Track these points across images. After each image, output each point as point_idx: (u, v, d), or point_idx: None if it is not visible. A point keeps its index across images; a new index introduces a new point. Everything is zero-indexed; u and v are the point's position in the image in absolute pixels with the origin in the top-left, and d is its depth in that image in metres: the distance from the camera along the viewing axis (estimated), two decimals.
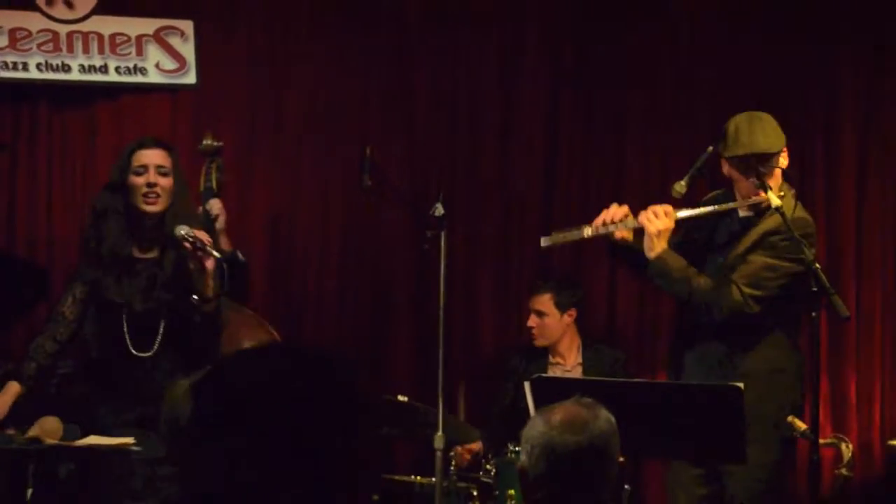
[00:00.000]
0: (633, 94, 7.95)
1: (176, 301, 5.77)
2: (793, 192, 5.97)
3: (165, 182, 5.80)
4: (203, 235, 5.74)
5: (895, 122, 7.64)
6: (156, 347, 5.75)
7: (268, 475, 2.15)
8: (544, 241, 6.10)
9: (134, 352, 5.75)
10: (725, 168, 5.89)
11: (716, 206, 5.94)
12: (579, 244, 6.50)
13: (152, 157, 5.86)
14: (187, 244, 5.70)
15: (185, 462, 2.31)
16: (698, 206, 6.03)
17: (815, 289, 5.47)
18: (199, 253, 5.67)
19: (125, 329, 5.75)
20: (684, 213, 5.87)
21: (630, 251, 5.96)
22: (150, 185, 5.77)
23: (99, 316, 5.83)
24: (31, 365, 5.77)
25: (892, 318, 7.50)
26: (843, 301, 5.62)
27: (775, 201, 5.64)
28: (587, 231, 5.93)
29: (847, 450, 6.39)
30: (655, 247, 5.76)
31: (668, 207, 5.80)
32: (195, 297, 5.74)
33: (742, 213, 5.89)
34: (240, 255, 6.24)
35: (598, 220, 5.91)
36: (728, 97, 7.47)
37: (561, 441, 3.54)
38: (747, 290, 5.67)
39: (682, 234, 5.97)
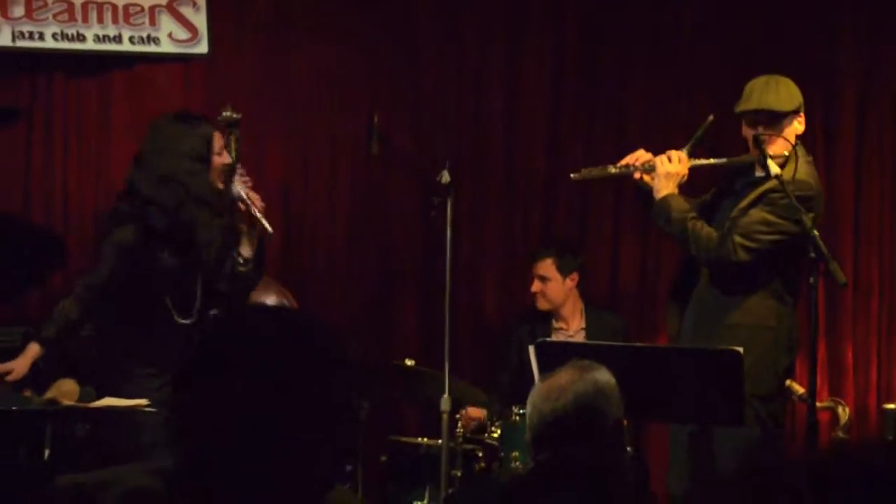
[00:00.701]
0: (634, 73, 7.96)
1: (216, 263, 5.83)
2: (809, 158, 6.02)
3: None
4: (256, 198, 5.85)
5: (892, 96, 7.61)
6: (196, 314, 5.76)
7: (254, 430, 2.18)
8: (574, 176, 6.25)
9: (178, 320, 5.76)
10: (743, 129, 5.91)
11: (727, 159, 6.00)
12: (607, 180, 6.77)
13: (221, 138, 5.94)
14: (242, 204, 5.77)
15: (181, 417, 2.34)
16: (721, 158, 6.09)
17: (812, 255, 5.49)
18: (254, 211, 5.78)
19: (169, 297, 5.76)
20: (697, 162, 5.96)
21: (649, 196, 6.02)
22: (228, 165, 5.89)
23: (144, 285, 5.82)
24: (51, 328, 5.72)
25: (890, 285, 7.54)
26: (842, 268, 5.64)
27: (774, 169, 5.66)
28: (612, 169, 6.11)
29: (844, 413, 6.43)
30: (662, 188, 5.88)
31: (683, 154, 5.96)
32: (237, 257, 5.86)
33: (758, 173, 5.90)
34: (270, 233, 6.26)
35: (623, 161, 6.09)
36: (728, 79, 7.48)
37: (539, 408, 3.59)
38: (738, 240, 5.72)
39: (714, 193, 6.04)
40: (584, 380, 3.67)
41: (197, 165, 5.76)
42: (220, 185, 5.81)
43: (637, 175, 6.01)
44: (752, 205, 5.78)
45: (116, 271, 5.75)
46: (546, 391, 3.68)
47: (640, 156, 6.01)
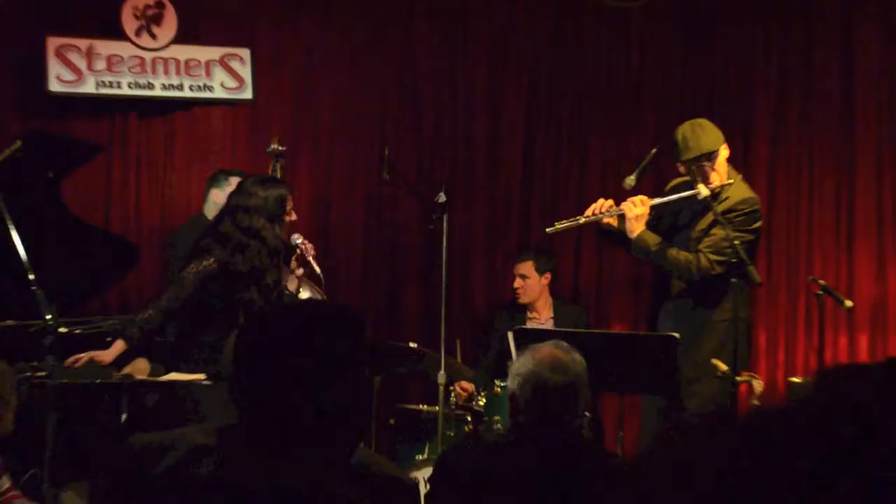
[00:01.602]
0: (593, 108, 8.02)
1: (276, 297, 5.96)
2: (739, 175, 6.14)
3: None
4: (311, 247, 6.08)
5: (798, 125, 7.66)
6: None
7: (295, 397, 2.23)
8: (549, 230, 6.16)
9: None
10: (681, 167, 6.00)
11: (677, 196, 6.05)
12: (576, 230, 6.57)
13: (292, 199, 6.04)
14: (299, 250, 6.04)
15: (234, 391, 2.40)
16: (665, 194, 6.17)
17: (734, 260, 5.57)
18: (308, 258, 6.02)
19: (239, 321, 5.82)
20: (656, 200, 6.04)
21: (616, 235, 6.10)
22: (292, 221, 6.05)
23: (219, 306, 5.88)
24: (135, 331, 5.80)
25: (794, 285, 7.55)
26: (757, 270, 5.74)
27: (704, 192, 5.77)
28: (581, 219, 6.08)
29: (758, 385, 6.42)
30: (636, 229, 5.93)
31: (644, 197, 6.01)
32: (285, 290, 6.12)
33: (702, 197, 5.93)
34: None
35: (589, 211, 6.07)
36: (667, 110, 7.55)
37: (550, 378, 3.63)
38: (713, 257, 5.85)
39: (653, 217, 6.06)
40: (577, 361, 3.69)
41: (272, 223, 5.89)
42: (286, 237, 6.00)
43: (605, 220, 6.03)
44: (711, 226, 5.90)
45: (196, 294, 5.83)
46: (553, 365, 3.67)
47: (603, 204, 6.03)
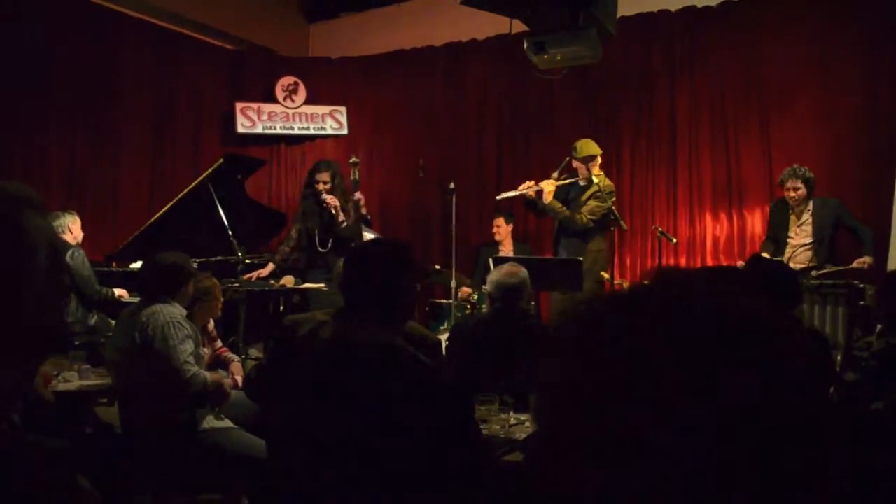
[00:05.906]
0: (534, 136, 7.92)
1: (327, 225, 5.89)
2: (602, 172, 6.04)
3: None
4: (363, 199, 5.89)
5: (647, 143, 7.52)
6: (327, 247, 5.84)
7: (375, 292, 2.22)
8: (498, 198, 6.05)
9: (320, 249, 5.84)
10: (574, 163, 5.94)
11: (572, 179, 5.98)
12: (517, 199, 6.52)
13: (324, 174, 5.83)
14: (356, 200, 5.85)
15: (342, 289, 2.38)
16: (562, 179, 6.07)
17: (612, 217, 5.52)
18: (360, 204, 5.88)
19: (318, 242, 5.82)
20: (559, 182, 5.93)
21: (533, 205, 5.99)
22: (326, 185, 5.86)
23: (306, 234, 5.90)
24: (276, 257, 5.97)
25: (645, 230, 7.37)
26: (625, 222, 5.70)
27: (595, 180, 5.71)
28: (517, 191, 5.95)
29: (626, 285, 6.44)
30: (547, 198, 5.82)
31: (551, 180, 5.88)
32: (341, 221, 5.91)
33: (582, 183, 5.90)
34: (368, 217, 6.32)
35: (522, 186, 5.93)
36: (576, 137, 7.47)
37: (506, 281, 3.61)
38: (587, 216, 5.74)
39: (558, 192, 6.03)
40: (522, 272, 3.69)
41: (307, 186, 5.92)
42: (324, 196, 5.77)
43: (531, 193, 5.90)
44: (590, 198, 5.80)
45: (296, 227, 5.92)
46: (507, 274, 3.68)
47: (528, 183, 5.93)
